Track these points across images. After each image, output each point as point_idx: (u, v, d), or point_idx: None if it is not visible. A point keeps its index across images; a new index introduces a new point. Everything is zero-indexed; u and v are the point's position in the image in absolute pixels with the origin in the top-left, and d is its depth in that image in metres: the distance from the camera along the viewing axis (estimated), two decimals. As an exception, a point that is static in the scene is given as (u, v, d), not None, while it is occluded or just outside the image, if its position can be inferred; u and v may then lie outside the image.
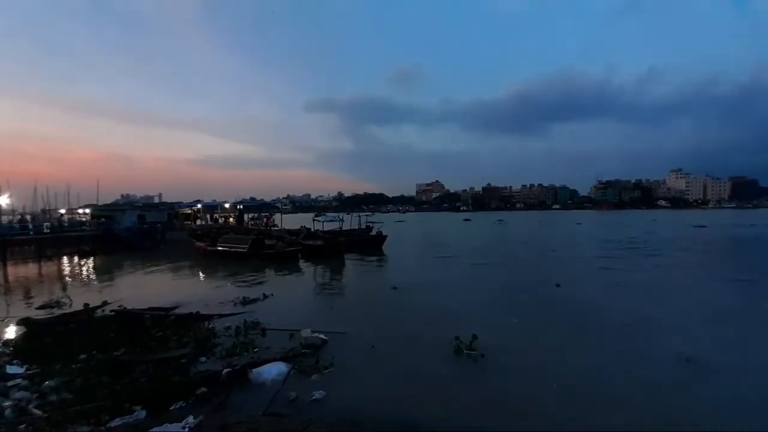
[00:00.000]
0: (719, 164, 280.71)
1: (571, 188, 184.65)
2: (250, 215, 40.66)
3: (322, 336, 7.50)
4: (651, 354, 6.90)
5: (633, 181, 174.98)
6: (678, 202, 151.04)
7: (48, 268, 20.37)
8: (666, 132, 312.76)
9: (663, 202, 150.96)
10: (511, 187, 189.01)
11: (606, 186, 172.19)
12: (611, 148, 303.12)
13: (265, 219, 38.85)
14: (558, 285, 12.80)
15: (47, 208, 35.21)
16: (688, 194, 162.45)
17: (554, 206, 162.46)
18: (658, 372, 6.15)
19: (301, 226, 28.97)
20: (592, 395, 5.41)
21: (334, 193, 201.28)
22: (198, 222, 36.44)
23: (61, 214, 33.66)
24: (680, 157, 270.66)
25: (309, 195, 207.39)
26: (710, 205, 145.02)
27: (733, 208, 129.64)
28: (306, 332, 7.58)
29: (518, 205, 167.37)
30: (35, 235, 25.16)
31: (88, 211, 33.45)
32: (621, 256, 20.70)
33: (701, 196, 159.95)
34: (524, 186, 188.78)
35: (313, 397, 5.27)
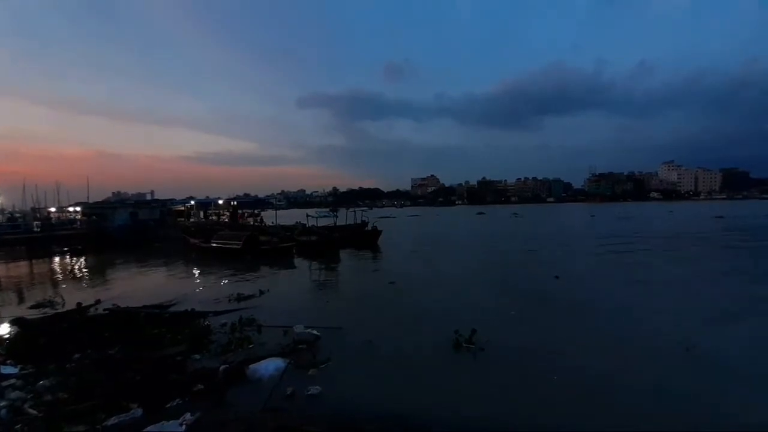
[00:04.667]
0: (710, 156, 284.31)
1: (564, 181, 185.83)
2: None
3: (314, 332, 7.48)
4: (651, 344, 6.97)
5: (626, 174, 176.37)
6: (670, 193, 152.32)
7: (39, 267, 20.11)
8: (658, 124, 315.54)
9: (655, 194, 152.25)
10: (506, 180, 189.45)
11: (599, 178, 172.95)
12: (604, 141, 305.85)
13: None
14: (557, 277, 12.91)
15: (37, 206, 34.70)
16: (680, 186, 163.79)
17: (549, 199, 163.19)
18: (659, 362, 6.21)
19: (296, 222, 28.91)
20: (593, 388, 5.41)
21: (329, 189, 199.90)
22: (191, 219, 36.16)
23: (49, 212, 33.23)
24: (672, 150, 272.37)
25: (303, 191, 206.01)
26: (702, 197, 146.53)
27: (724, 199, 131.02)
28: (299, 328, 7.53)
29: (513, 199, 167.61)
30: (25, 234, 24.86)
31: (78, 209, 33.06)
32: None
33: (693, 188, 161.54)
34: (519, 179, 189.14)
35: (310, 392, 5.30)
